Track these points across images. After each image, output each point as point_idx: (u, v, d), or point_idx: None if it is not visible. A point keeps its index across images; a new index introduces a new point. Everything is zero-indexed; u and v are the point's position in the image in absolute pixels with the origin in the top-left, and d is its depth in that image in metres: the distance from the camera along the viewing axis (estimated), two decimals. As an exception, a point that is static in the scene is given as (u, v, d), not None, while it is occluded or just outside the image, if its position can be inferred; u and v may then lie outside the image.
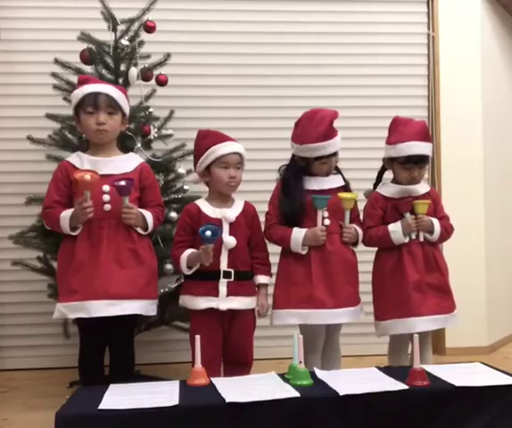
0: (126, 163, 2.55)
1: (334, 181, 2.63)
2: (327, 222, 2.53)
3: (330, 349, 2.62)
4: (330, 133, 2.53)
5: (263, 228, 2.62)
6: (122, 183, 2.39)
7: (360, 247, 2.67)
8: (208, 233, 2.29)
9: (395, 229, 2.57)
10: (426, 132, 2.67)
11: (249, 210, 2.55)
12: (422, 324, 2.49)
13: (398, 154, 2.61)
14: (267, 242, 2.62)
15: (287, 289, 2.53)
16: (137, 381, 2.23)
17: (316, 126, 2.53)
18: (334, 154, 2.59)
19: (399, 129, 2.64)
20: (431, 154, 2.67)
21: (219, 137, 2.51)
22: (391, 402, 1.86)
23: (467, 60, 3.90)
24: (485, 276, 3.88)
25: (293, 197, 2.56)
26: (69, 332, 3.06)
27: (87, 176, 2.34)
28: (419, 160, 2.61)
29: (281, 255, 2.63)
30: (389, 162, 2.69)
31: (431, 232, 2.59)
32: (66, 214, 2.40)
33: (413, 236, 2.57)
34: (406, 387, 1.90)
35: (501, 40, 4.23)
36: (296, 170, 2.62)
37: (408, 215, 2.57)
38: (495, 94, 4.08)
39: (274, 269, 2.64)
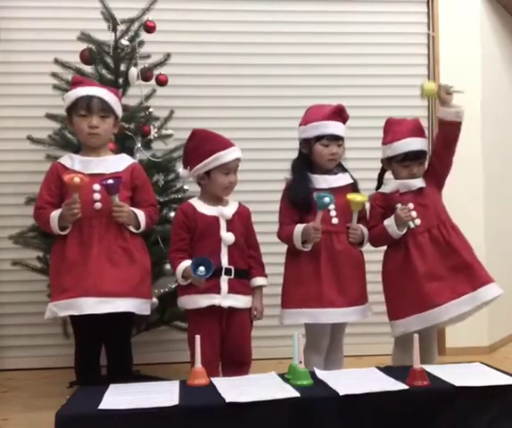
0: (117, 163, 2.56)
1: (341, 179, 2.63)
2: (335, 221, 2.54)
3: (334, 351, 2.62)
4: (334, 117, 2.58)
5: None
6: (110, 181, 2.40)
7: (368, 247, 2.67)
8: (201, 268, 2.26)
9: (389, 223, 2.57)
10: (420, 128, 2.69)
11: (244, 212, 2.57)
12: (447, 311, 2.46)
13: (394, 153, 2.63)
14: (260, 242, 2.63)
15: (297, 288, 2.53)
16: (137, 381, 2.23)
17: (321, 108, 2.62)
18: (336, 139, 2.58)
19: (393, 129, 2.68)
20: (427, 150, 2.68)
21: (222, 142, 2.50)
22: (391, 402, 1.86)
23: (467, 60, 3.90)
24: (485, 276, 3.87)
25: (296, 193, 2.57)
26: (68, 331, 3.06)
27: (76, 179, 2.35)
28: (417, 157, 2.62)
29: (288, 255, 2.63)
30: (387, 162, 2.71)
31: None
32: (55, 214, 2.42)
33: (411, 225, 2.56)
34: (406, 387, 1.90)
35: (501, 40, 4.23)
36: (301, 164, 2.63)
37: (399, 206, 2.57)
38: (495, 93, 4.08)
39: (272, 269, 2.65)
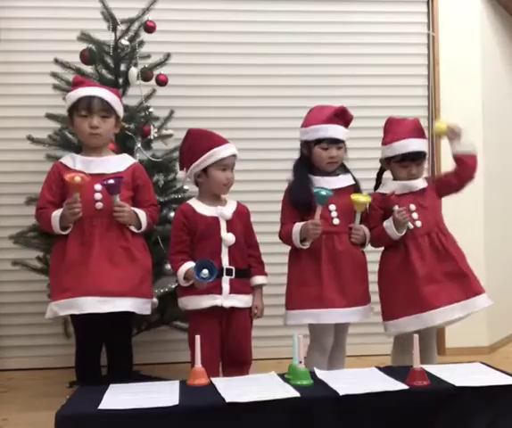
0: (118, 163, 2.57)
1: (343, 180, 2.63)
2: (337, 222, 2.55)
3: (337, 350, 2.62)
4: (334, 120, 2.57)
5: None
6: (111, 181, 2.40)
7: (367, 247, 2.68)
8: (205, 271, 2.27)
9: (388, 224, 2.58)
10: (420, 129, 2.70)
11: (243, 211, 2.57)
12: (441, 315, 2.49)
13: (394, 153, 2.64)
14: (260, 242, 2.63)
15: (299, 289, 2.54)
16: (137, 381, 2.23)
17: (322, 110, 2.61)
18: (336, 143, 2.57)
19: (393, 129, 2.68)
20: (426, 150, 2.70)
21: (217, 139, 2.52)
22: (391, 402, 1.85)
23: (467, 60, 3.90)
24: (485, 276, 3.85)
25: (297, 194, 2.58)
26: (69, 331, 3.06)
27: (77, 178, 2.36)
28: (416, 157, 2.63)
29: (291, 255, 2.63)
30: (386, 162, 2.71)
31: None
32: (56, 214, 2.42)
33: (411, 226, 2.56)
34: (406, 387, 1.90)
35: (501, 40, 4.23)
36: (302, 165, 2.63)
37: (396, 207, 2.57)
38: (495, 93, 4.08)
39: (272, 269, 2.65)
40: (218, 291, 2.41)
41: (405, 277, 2.55)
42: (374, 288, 2.68)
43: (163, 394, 1.85)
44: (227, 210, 2.49)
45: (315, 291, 2.50)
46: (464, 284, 2.55)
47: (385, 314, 2.63)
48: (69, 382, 3.05)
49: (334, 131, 2.57)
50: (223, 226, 2.46)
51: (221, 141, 2.51)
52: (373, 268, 2.68)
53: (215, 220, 2.45)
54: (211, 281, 2.30)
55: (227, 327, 2.45)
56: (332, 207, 2.55)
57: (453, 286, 2.54)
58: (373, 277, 2.69)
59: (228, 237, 2.44)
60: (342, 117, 2.60)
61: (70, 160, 2.54)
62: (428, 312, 2.49)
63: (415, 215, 2.59)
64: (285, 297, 2.61)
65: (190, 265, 2.37)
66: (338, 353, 2.64)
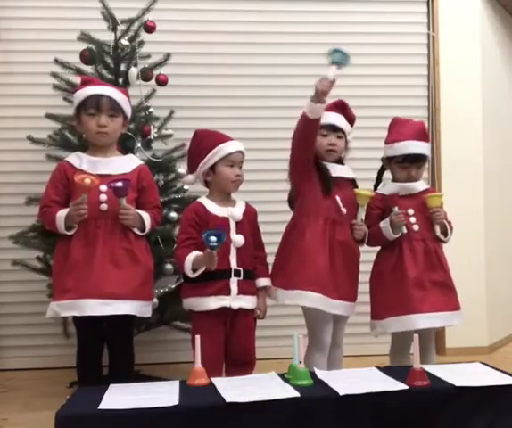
0: (124, 164, 2.56)
1: (347, 171, 2.65)
2: (344, 211, 2.56)
3: (333, 348, 2.61)
4: (333, 109, 2.62)
5: None
6: (119, 184, 2.39)
7: (364, 247, 2.68)
8: (213, 238, 2.23)
9: (384, 225, 2.59)
10: (424, 132, 2.71)
11: (251, 212, 2.57)
12: (423, 321, 2.50)
13: (395, 153, 2.65)
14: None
15: (300, 267, 2.49)
16: (137, 381, 2.23)
17: None
18: (335, 130, 2.58)
19: (397, 129, 2.69)
20: (429, 154, 2.71)
21: (223, 137, 2.53)
22: (391, 402, 1.85)
23: (467, 60, 3.91)
24: (485, 276, 3.88)
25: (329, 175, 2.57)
26: (69, 331, 3.06)
27: (87, 181, 2.35)
28: (416, 160, 2.64)
29: (293, 229, 2.58)
30: (387, 162, 2.72)
31: (445, 232, 2.62)
32: (62, 213, 2.42)
33: (404, 231, 2.57)
34: (406, 387, 1.89)
35: (501, 40, 4.23)
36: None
37: (396, 209, 2.57)
38: (495, 93, 4.08)
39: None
40: (227, 292, 2.40)
41: (396, 279, 2.57)
42: (365, 288, 2.68)
43: (163, 394, 1.85)
44: (236, 211, 2.48)
45: (314, 272, 2.46)
46: (447, 296, 2.59)
47: (373, 313, 2.64)
48: (69, 382, 3.05)
49: (334, 118, 2.59)
50: (233, 227, 2.45)
51: (227, 138, 2.53)
52: (365, 268, 2.68)
53: (225, 221, 2.44)
54: (219, 245, 2.24)
55: (232, 328, 2.44)
56: (337, 197, 2.55)
57: (438, 295, 2.56)
58: (365, 277, 2.69)
59: (238, 239, 2.44)
60: (341, 108, 2.62)
61: (76, 159, 2.53)
62: (412, 315, 2.50)
63: (412, 219, 2.61)
64: (277, 270, 2.56)
65: (196, 253, 2.36)
66: (335, 352, 2.63)
